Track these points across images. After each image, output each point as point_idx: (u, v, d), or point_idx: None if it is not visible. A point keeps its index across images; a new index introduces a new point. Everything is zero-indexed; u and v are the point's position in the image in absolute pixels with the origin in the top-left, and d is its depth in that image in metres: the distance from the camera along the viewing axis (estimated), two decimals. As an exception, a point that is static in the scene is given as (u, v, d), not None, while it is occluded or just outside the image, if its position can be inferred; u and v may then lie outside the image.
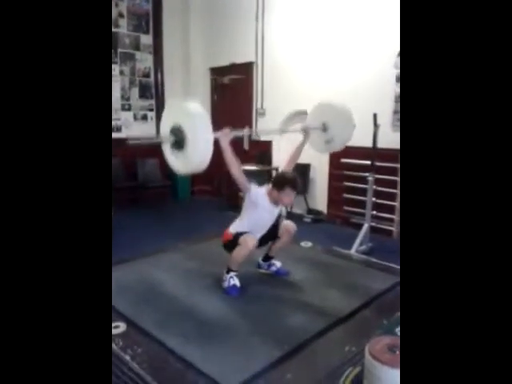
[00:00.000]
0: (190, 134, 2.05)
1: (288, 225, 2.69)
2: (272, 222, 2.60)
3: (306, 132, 2.84)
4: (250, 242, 2.42)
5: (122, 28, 5.88)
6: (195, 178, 6.52)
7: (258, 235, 2.55)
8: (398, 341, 1.47)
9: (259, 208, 2.50)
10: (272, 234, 2.66)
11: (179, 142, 2.09)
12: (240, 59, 5.92)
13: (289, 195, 2.48)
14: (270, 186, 2.55)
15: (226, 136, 2.33)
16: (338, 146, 3.03)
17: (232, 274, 2.52)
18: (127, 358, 1.76)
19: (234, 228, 2.58)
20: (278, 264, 2.79)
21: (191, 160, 2.11)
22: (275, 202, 2.53)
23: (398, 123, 4.23)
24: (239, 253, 2.45)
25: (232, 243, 2.51)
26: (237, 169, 2.38)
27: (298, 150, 2.81)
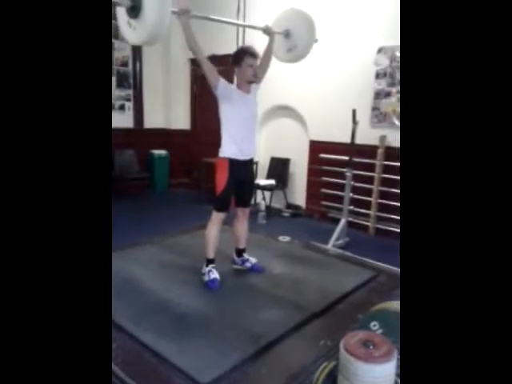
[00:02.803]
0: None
1: (245, 208, 2.72)
2: (251, 115, 2.54)
3: (268, 33, 2.77)
4: (216, 218, 2.52)
5: (100, 15, 5.71)
6: (173, 171, 6.45)
7: (245, 147, 2.52)
8: (372, 336, 1.49)
9: (233, 99, 2.42)
10: (248, 192, 2.71)
11: (135, 7, 2.02)
12: (221, 51, 5.85)
13: (250, 65, 2.43)
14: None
15: (186, 12, 2.26)
16: (298, 56, 2.98)
17: (210, 266, 2.52)
18: (100, 353, 1.73)
19: (223, 151, 2.52)
20: (252, 260, 2.78)
21: (146, 27, 2.03)
22: (244, 85, 2.48)
23: (376, 120, 4.27)
24: (210, 230, 2.53)
25: (221, 199, 2.53)
26: (203, 56, 2.32)
27: (267, 54, 2.73)
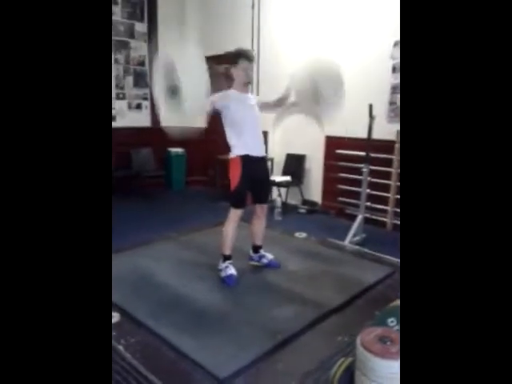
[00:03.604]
0: (187, 90, 2.10)
1: (262, 204, 2.74)
2: (251, 112, 2.58)
3: (279, 105, 2.71)
4: (233, 215, 2.56)
5: (116, 15, 5.79)
6: (190, 168, 6.50)
7: (254, 142, 2.57)
8: (389, 332, 1.49)
9: (232, 102, 2.50)
10: (264, 188, 2.76)
11: (175, 92, 2.13)
12: (234, 48, 5.86)
13: (244, 68, 2.54)
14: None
15: (211, 103, 2.40)
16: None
17: (227, 262, 2.55)
18: (120, 347, 1.77)
19: (233, 152, 2.58)
20: (269, 256, 2.79)
21: (184, 113, 2.16)
22: (239, 86, 2.58)
23: (393, 114, 4.22)
24: (227, 228, 2.55)
25: (235, 194, 2.56)
26: (207, 116, 2.47)
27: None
